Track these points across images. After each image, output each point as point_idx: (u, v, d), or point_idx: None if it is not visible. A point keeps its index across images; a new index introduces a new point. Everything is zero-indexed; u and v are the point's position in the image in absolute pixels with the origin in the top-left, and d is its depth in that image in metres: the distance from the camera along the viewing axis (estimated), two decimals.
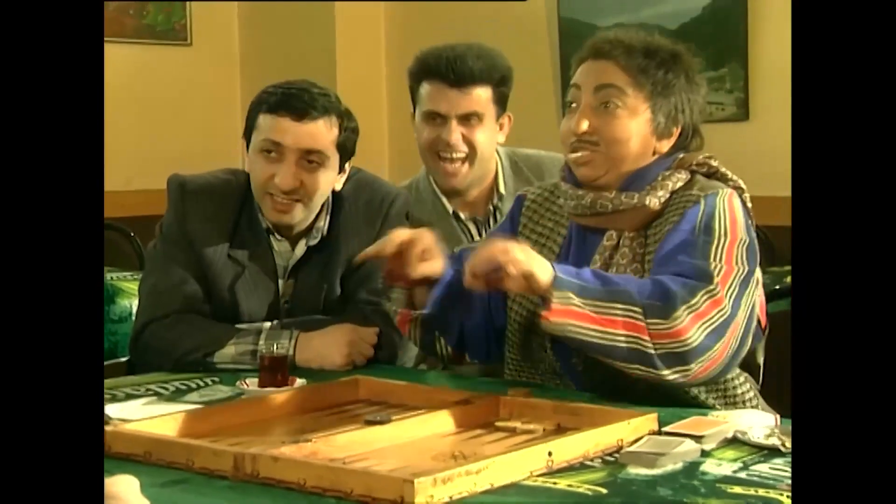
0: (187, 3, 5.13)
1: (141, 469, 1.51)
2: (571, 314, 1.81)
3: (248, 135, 2.41)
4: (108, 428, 1.68)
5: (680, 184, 2.03)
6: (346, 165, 2.43)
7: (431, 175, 2.74)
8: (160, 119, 5.01)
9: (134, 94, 4.84)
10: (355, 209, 2.46)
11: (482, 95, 2.64)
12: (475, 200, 2.75)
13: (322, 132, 2.34)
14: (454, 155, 2.65)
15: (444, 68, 2.61)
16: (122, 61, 4.88)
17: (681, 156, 2.07)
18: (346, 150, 2.40)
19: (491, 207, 2.73)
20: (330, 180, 2.40)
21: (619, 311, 1.82)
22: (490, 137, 2.69)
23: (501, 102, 2.69)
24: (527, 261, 1.82)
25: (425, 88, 2.66)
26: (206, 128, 5.08)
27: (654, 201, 2.01)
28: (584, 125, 2.02)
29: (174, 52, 5.13)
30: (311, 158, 2.34)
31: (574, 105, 2.06)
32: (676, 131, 2.06)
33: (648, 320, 1.81)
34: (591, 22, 4.32)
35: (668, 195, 2.02)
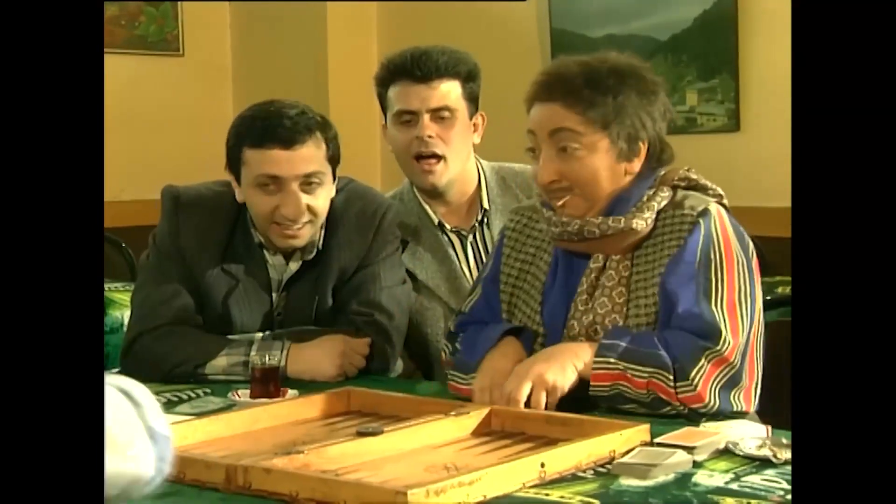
0: (179, 14, 5.12)
1: None
2: (613, 377, 1.91)
3: (233, 167, 2.38)
4: None
5: (664, 202, 2.03)
6: (336, 171, 2.43)
7: (411, 179, 2.70)
8: (152, 129, 5.00)
9: (126, 104, 4.83)
10: (347, 220, 2.45)
11: (451, 90, 2.61)
12: (459, 210, 2.70)
13: (313, 153, 2.33)
14: (429, 151, 2.60)
15: (410, 65, 2.60)
16: (114, 72, 4.84)
17: (661, 173, 2.06)
18: (335, 159, 2.40)
19: (476, 222, 2.68)
20: (329, 194, 2.39)
21: (647, 373, 1.90)
22: (464, 134, 2.65)
23: (472, 100, 2.65)
24: (563, 384, 1.89)
25: (394, 91, 2.64)
26: (198, 138, 5.07)
27: (640, 224, 2.00)
28: (550, 176, 2.01)
29: (166, 62, 5.13)
30: (310, 181, 2.33)
31: (535, 151, 2.04)
32: (643, 147, 2.02)
33: (676, 384, 1.89)
34: (582, 33, 4.33)
35: (654, 216, 2.02)
